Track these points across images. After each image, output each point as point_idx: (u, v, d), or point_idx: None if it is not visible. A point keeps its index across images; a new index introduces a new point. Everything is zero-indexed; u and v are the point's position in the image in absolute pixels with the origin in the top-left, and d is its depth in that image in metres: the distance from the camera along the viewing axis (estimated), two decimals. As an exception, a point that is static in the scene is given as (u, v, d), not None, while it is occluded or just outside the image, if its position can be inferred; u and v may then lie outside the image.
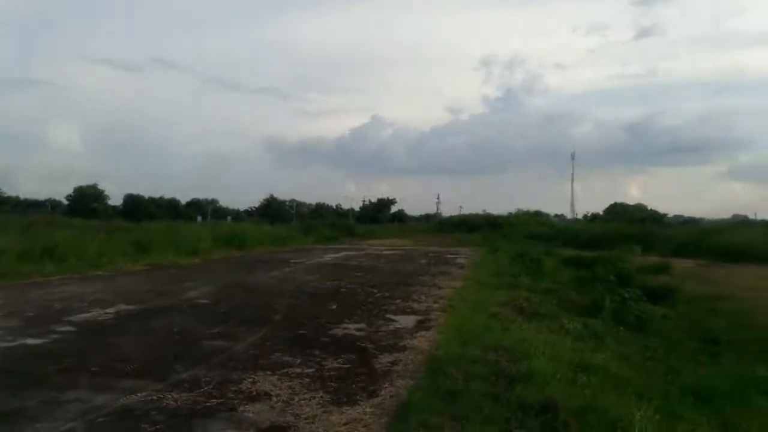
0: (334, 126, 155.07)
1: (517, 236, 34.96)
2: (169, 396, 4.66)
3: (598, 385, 5.41)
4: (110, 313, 8.40)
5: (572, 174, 70.91)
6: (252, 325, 7.78)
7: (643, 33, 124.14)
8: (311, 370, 5.63)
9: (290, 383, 5.14)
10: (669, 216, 71.65)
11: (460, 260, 21.79)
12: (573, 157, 70.69)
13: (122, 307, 8.98)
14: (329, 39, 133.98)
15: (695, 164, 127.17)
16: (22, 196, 77.68)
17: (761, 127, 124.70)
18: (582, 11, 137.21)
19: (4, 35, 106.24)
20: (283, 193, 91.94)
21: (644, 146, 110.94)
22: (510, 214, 62.34)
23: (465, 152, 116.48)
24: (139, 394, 4.67)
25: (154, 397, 4.62)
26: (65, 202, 74.54)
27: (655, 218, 60.84)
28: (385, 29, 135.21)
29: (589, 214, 71.86)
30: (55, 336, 6.79)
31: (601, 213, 70.86)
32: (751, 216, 67.65)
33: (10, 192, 73.94)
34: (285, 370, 5.55)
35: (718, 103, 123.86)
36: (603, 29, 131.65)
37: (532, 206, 71.56)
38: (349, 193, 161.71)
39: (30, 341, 6.46)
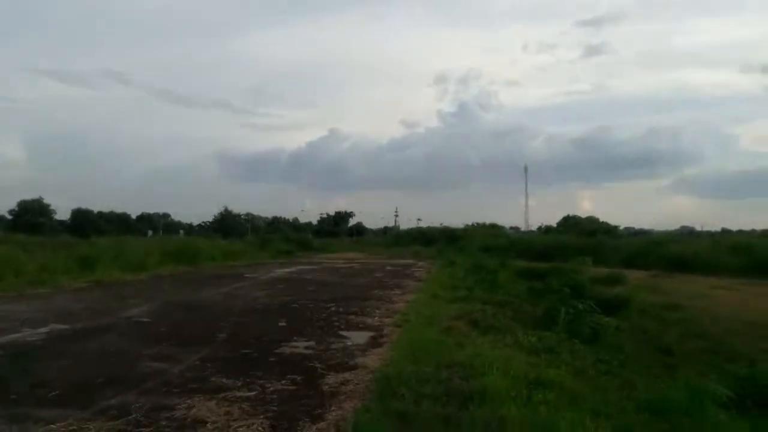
0: (291, 140, 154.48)
1: (473, 249, 35.13)
2: (92, 426, 4.24)
3: (554, 401, 5.23)
4: (41, 333, 7.82)
5: (526, 187, 72.20)
6: (193, 344, 7.32)
7: (591, 51, 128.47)
8: (253, 393, 5.26)
9: (228, 408, 4.77)
10: (620, 228, 73.65)
11: (416, 273, 21.63)
12: (526, 170, 72.07)
13: (55, 326, 8.38)
14: (285, 53, 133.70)
15: (643, 178, 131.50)
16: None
17: (705, 142, 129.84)
18: (532, 30, 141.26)
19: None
20: (238, 207, 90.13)
21: (594, 160, 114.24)
22: (467, 226, 62.94)
23: (422, 166, 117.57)
24: (57, 424, 4.24)
25: (74, 428, 4.19)
26: (8, 216, 71.33)
27: (607, 230, 62.29)
28: (342, 44, 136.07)
29: (543, 227, 73.14)
30: (-27, 360, 6.22)
31: (554, 225, 72.23)
32: (698, 227, 70.26)
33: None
34: (224, 394, 5.17)
35: (664, 119, 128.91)
36: (552, 48, 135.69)
37: (488, 219, 72.44)
38: (307, 206, 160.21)
39: (-57, 367, 5.90)
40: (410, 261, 31.11)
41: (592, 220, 70.47)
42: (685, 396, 5.67)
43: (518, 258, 29.50)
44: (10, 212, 70.38)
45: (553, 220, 77.44)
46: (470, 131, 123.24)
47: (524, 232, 67.32)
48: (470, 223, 65.40)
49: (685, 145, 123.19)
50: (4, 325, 8.32)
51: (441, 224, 65.82)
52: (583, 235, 42.84)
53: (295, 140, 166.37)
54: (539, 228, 72.63)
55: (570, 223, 70.27)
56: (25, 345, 7.14)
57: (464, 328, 9.06)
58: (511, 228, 76.24)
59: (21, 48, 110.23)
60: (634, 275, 19.97)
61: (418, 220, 78.03)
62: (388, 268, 24.73)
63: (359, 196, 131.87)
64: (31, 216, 67.75)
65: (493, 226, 67.31)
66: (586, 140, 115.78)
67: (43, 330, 8.07)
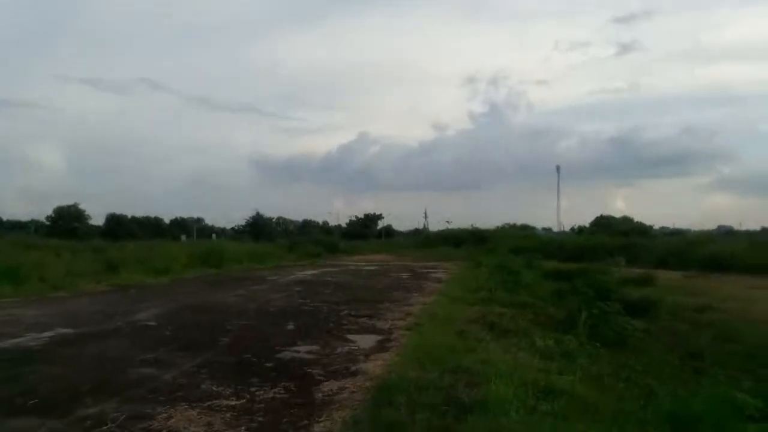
0: (321, 143, 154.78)
1: (502, 250, 34.44)
2: (62, 437, 4.02)
3: (562, 411, 4.82)
4: (44, 338, 7.70)
5: (558, 187, 70.76)
6: (193, 349, 7.11)
7: (625, 49, 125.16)
8: (240, 401, 4.98)
9: (210, 419, 4.49)
10: (655, 228, 71.45)
11: (439, 275, 21.22)
12: (558, 170, 70.53)
13: (60, 331, 8.28)
14: (315, 58, 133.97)
15: (679, 176, 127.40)
16: (4, 218, 76.47)
17: (743, 139, 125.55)
18: (563, 28, 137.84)
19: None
20: (270, 211, 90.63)
21: (628, 159, 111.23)
22: (497, 228, 61.93)
23: (452, 167, 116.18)
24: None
25: (43, 440, 3.98)
26: (46, 222, 73.11)
27: (641, 230, 60.40)
28: (371, 47, 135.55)
29: (576, 227, 71.58)
30: (-35, 367, 6.10)
31: (587, 225, 70.60)
32: (736, 227, 67.77)
33: (-7, 213, 72.77)
34: (210, 403, 4.91)
35: (701, 116, 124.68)
36: (584, 46, 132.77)
37: (520, 220, 71.27)
38: (336, 209, 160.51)
39: (-67, 373, 5.78)
40: (437, 263, 30.64)
41: (626, 220, 68.59)
42: (712, 406, 5.19)
43: (549, 259, 28.76)
44: (48, 218, 72.07)
45: (586, 221, 75.66)
46: (501, 132, 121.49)
47: (556, 233, 65.90)
48: (500, 225, 64.34)
49: (722, 143, 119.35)
50: (9, 330, 8.25)
51: (471, 226, 64.90)
52: (616, 235, 41.65)
53: (326, 144, 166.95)
54: (572, 228, 71.10)
55: (603, 223, 68.51)
56: (24, 350, 7.00)
57: (479, 332, 8.65)
58: (544, 229, 74.83)
59: (58, 56, 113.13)
60: (668, 276, 19.19)
61: (447, 221, 77.18)
62: (413, 269, 24.35)
63: (388, 198, 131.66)
64: (67, 221, 69.16)
65: (525, 227, 66.16)
66: (620, 139, 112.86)
67: (46, 334, 7.97)
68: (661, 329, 10.51)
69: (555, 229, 70.18)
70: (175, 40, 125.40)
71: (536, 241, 43.37)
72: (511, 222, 65.89)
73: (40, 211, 79.91)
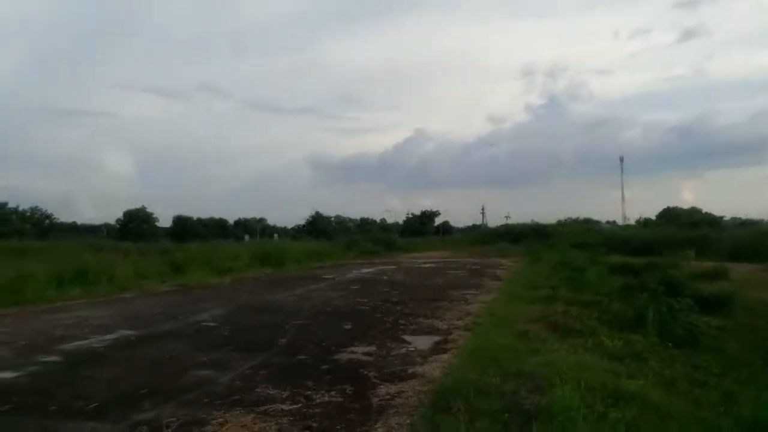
0: (378, 142, 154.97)
1: (564, 245, 33.40)
2: (118, 443, 4.02)
3: (634, 419, 4.48)
4: (107, 340, 7.88)
5: (621, 179, 68.25)
6: (250, 351, 7.10)
7: (688, 34, 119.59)
8: (296, 406, 4.89)
9: (265, 424, 4.42)
10: (725, 218, 67.72)
11: (499, 272, 20.74)
12: (621, 161, 68.04)
13: (123, 332, 8.47)
14: (369, 57, 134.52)
15: (750, 165, 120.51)
16: (79, 222, 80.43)
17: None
18: (622, 16, 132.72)
19: (56, 68, 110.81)
20: (329, 210, 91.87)
21: (695, 148, 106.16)
22: (558, 222, 60.28)
23: (510, 161, 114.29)
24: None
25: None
26: (116, 225, 76.43)
27: (711, 221, 57.34)
28: (423, 43, 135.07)
29: (641, 220, 68.87)
30: (34, 368, 6.26)
31: (653, 218, 67.69)
32: (813, 215, 63.27)
33: (68, 218, 76.69)
34: (265, 407, 4.83)
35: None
36: (645, 33, 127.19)
37: (582, 214, 69.00)
38: (393, 207, 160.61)
39: (4, 375, 5.94)
40: (496, 259, 30.05)
41: (693, 211, 65.36)
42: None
43: (614, 253, 27.62)
44: (117, 221, 75.37)
45: (651, 213, 72.38)
46: (560, 124, 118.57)
47: (621, 227, 63.55)
48: (562, 219, 62.50)
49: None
50: (74, 332, 8.50)
51: (531, 221, 63.43)
52: (684, 227, 39.68)
53: (383, 142, 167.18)
54: (637, 221, 68.37)
55: (670, 215, 65.55)
56: (88, 352, 7.17)
57: (542, 332, 8.30)
58: (607, 222, 72.42)
59: (123, 67, 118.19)
60: (741, 269, 17.99)
61: (506, 217, 75.80)
62: (471, 266, 23.93)
63: (446, 194, 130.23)
64: (136, 224, 72.18)
65: (587, 221, 64.08)
66: (686, 127, 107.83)
67: (110, 336, 8.16)
68: (738, 327, 9.76)
69: (619, 222, 67.87)
70: (232, 47, 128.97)
71: (600, 235, 41.91)
72: (573, 216, 63.81)
73: (112, 215, 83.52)
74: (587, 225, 59.52)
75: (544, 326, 8.78)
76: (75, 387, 5.49)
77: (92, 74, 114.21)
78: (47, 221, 69.84)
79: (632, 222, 66.81)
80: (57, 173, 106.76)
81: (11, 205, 64.52)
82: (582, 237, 38.85)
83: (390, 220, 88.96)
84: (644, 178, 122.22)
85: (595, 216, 69.08)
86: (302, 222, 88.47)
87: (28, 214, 67.01)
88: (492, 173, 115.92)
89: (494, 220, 79.47)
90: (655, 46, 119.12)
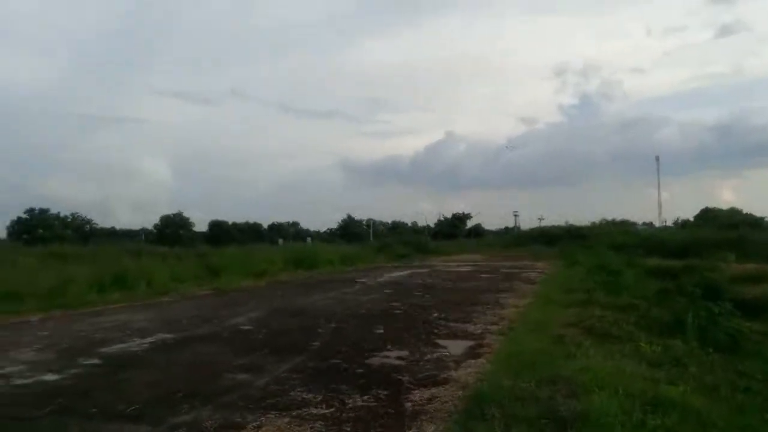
0: (408, 145, 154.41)
1: (599, 247, 32.81)
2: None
3: (675, 427, 4.38)
4: (145, 344, 8.05)
5: (658, 179, 66.73)
6: (285, 354, 7.18)
7: (725, 30, 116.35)
8: (330, 410, 4.92)
9: (299, 428, 4.46)
10: (767, 219, 65.65)
11: (532, 275, 20.51)
12: (657, 161, 66.51)
13: (161, 336, 8.65)
14: (398, 59, 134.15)
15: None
16: (117, 227, 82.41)
17: None
18: (655, 13, 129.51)
19: (93, 76, 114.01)
20: (361, 213, 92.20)
21: (734, 147, 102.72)
22: (593, 224, 59.23)
23: (543, 163, 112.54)
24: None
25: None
26: (153, 230, 78.10)
27: (752, 222, 55.51)
28: (452, 44, 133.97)
29: (679, 221, 67.23)
30: (75, 371, 6.44)
31: (691, 219, 66.03)
32: None
33: (107, 223, 78.65)
34: (300, 411, 4.88)
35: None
36: (680, 30, 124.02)
37: (618, 215, 67.61)
38: (425, 209, 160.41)
39: (47, 377, 6.14)
40: (529, 262, 29.72)
41: (733, 212, 63.35)
42: None
43: (651, 256, 27.03)
44: (155, 226, 77.02)
45: (689, 214, 70.68)
46: (594, 124, 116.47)
47: (658, 228, 62.16)
48: (597, 221, 61.40)
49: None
50: (115, 335, 8.72)
51: (566, 222, 62.48)
52: (723, 229, 38.52)
53: (413, 145, 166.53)
54: (675, 222, 66.85)
55: (709, 216, 63.68)
56: (127, 355, 7.34)
57: (578, 337, 8.18)
58: (644, 224, 70.90)
59: (157, 72, 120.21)
60: (787, 272, 17.40)
61: (540, 219, 74.86)
62: (504, 270, 23.72)
63: (477, 196, 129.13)
64: (173, 229, 73.64)
65: (623, 223, 62.78)
66: (724, 126, 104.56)
67: (148, 340, 8.34)
68: (783, 332, 9.48)
69: (656, 223, 66.39)
70: (260, 51, 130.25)
71: (636, 236, 41.02)
72: (609, 217, 62.58)
73: (149, 220, 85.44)
74: (623, 227, 58.28)
75: (580, 331, 8.65)
76: (115, 389, 5.63)
77: (128, 81, 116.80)
78: (87, 226, 71.64)
79: (669, 223, 65.41)
80: (96, 179, 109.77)
81: (53, 211, 66.39)
82: (618, 239, 38.11)
83: (421, 223, 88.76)
84: (681, 178, 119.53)
85: (632, 217, 67.62)
86: (334, 225, 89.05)
87: (69, 219, 68.81)
88: (524, 175, 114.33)
89: (527, 223, 78.60)
90: (690, 44, 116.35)
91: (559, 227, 60.15)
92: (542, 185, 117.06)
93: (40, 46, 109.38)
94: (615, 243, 34.62)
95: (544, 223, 69.43)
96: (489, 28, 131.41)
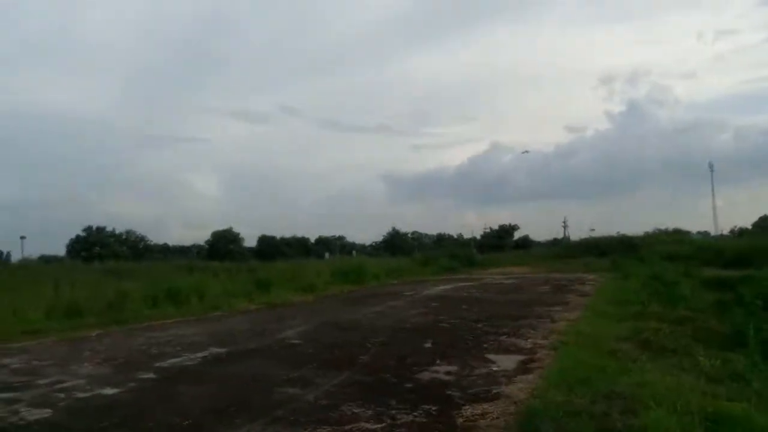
0: (454, 156, 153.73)
1: (653, 258, 31.79)
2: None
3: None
4: (198, 358, 8.25)
5: (712, 187, 64.43)
6: (334, 368, 7.23)
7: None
8: (380, 425, 4.92)
9: (351, 443, 4.48)
10: (831, 227, 62.30)
11: (584, 287, 20.02)
12: (711, 168, 64.29)
13: (213, 350, 8.84)
14: (442, 71, 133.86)
15: None
16: (170, 243, 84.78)
17: None
18: (705, 17, 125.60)
19: (148, 96, 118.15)
20: (406, 226, 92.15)
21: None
22: (646, 234, 57.48)
23: (592, 172, 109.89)
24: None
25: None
26: (205, 246, 79.99)
27: (816, 230, 52.97)
28: (497, 54, 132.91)
29: (736, 229, 64.61)
30: (132, 385, 6.65)
31: (749, 227, 63.39)
32: None
33: (160, 240, 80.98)
34: (350, 426, 4.90)
35: None
36: (731, 34, 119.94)
37: (672, 224, 65.45)
38: (470, 221, 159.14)
39: (106, 391, 6.34)
40: (580, 274, 29.04)
41: (794, 220, 60.61)
42: None
43: (707, 266, 26.05)
44: (206, 242, 78.91)
45: (747, 222, 68.04)
46: (644, 131, 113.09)
47: (714, 237, 59.92)
48: (650, 230, 59.53)
49: None
50: (168, 350, 8.96)
51: (617, 233, 60.81)
52: (783, 237, 36.83)
53: (457, 157, 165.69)
54: (731, 231, 64.28)
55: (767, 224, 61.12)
56: (180, 370, 7.53)
57: (633, 351, 7.94)
58: (699, 233, 68.47)
59: (209, 92, 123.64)
60: None
61: (591, 229, 73.03)
62: (553, 282, 23.25)
63: (524, 207, 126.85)
64: (224, 244, 75.25)
65: (677, 232, 60.69)
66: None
67: (200, 354, 8.52)
68: None
69: (712, 232, 64.05)
70: (306, 67, 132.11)
71: (691, 246, 39.55)
72: (662, 227, 60.61)
73: (201, 236, 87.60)
74: (677, 236, 56.32)
75: (634, 345, 8.41)
76: (170, 403, 5.79)
77: (181, 100, 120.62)
78: (142, 243, 73.92)
79: (726, 232, 62.92)
80: (151, 197, 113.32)
81: (108, 228, 68.82)
82: (672, 248, 36.89)
83: (467, 235, 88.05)
84: (738, 185, 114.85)
85: (686, 226, 65.28)
86: (379, 239, 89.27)
87: (124, 237, 71.13)
88: (572, 184, 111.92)
89: (576, 233, 76.91)
90: (742, 47, 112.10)
91: (610, 237, 58.44)
92: (591, 195, 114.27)
93: (102, 68, 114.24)
94: (669, 253, 33.54)
95: (594, 234, 67.77)
96: (533, 38, 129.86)
